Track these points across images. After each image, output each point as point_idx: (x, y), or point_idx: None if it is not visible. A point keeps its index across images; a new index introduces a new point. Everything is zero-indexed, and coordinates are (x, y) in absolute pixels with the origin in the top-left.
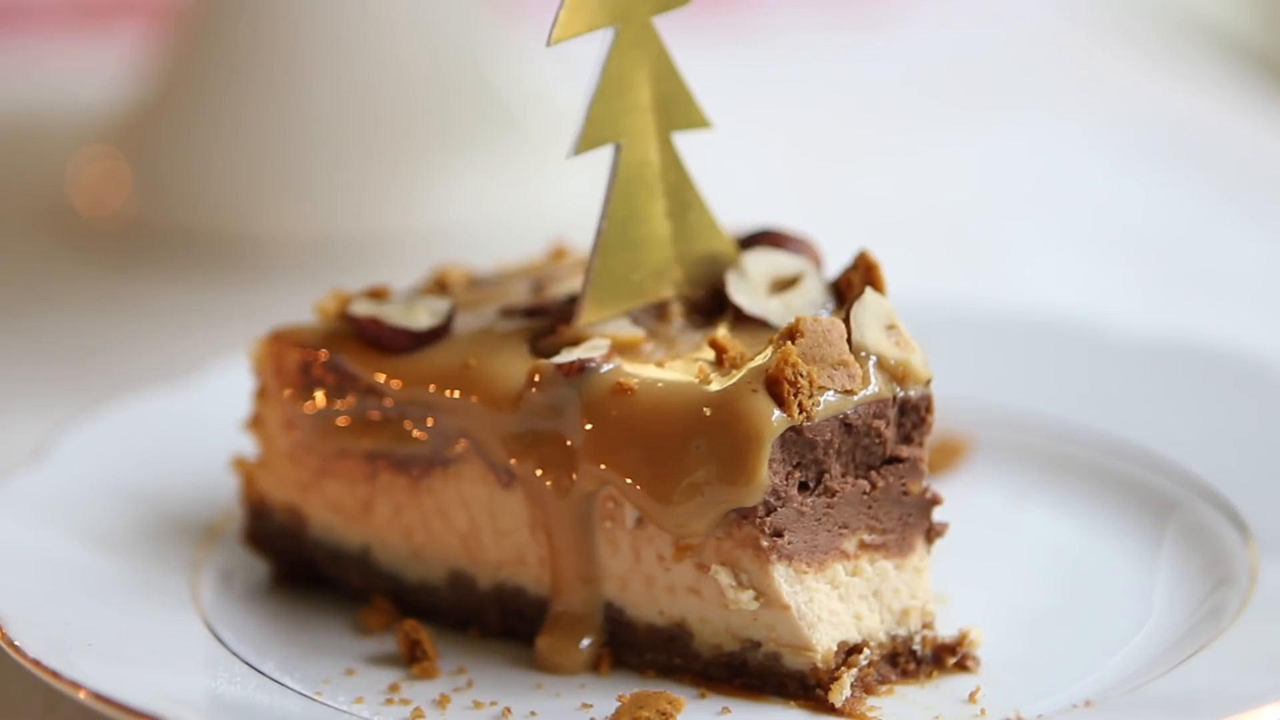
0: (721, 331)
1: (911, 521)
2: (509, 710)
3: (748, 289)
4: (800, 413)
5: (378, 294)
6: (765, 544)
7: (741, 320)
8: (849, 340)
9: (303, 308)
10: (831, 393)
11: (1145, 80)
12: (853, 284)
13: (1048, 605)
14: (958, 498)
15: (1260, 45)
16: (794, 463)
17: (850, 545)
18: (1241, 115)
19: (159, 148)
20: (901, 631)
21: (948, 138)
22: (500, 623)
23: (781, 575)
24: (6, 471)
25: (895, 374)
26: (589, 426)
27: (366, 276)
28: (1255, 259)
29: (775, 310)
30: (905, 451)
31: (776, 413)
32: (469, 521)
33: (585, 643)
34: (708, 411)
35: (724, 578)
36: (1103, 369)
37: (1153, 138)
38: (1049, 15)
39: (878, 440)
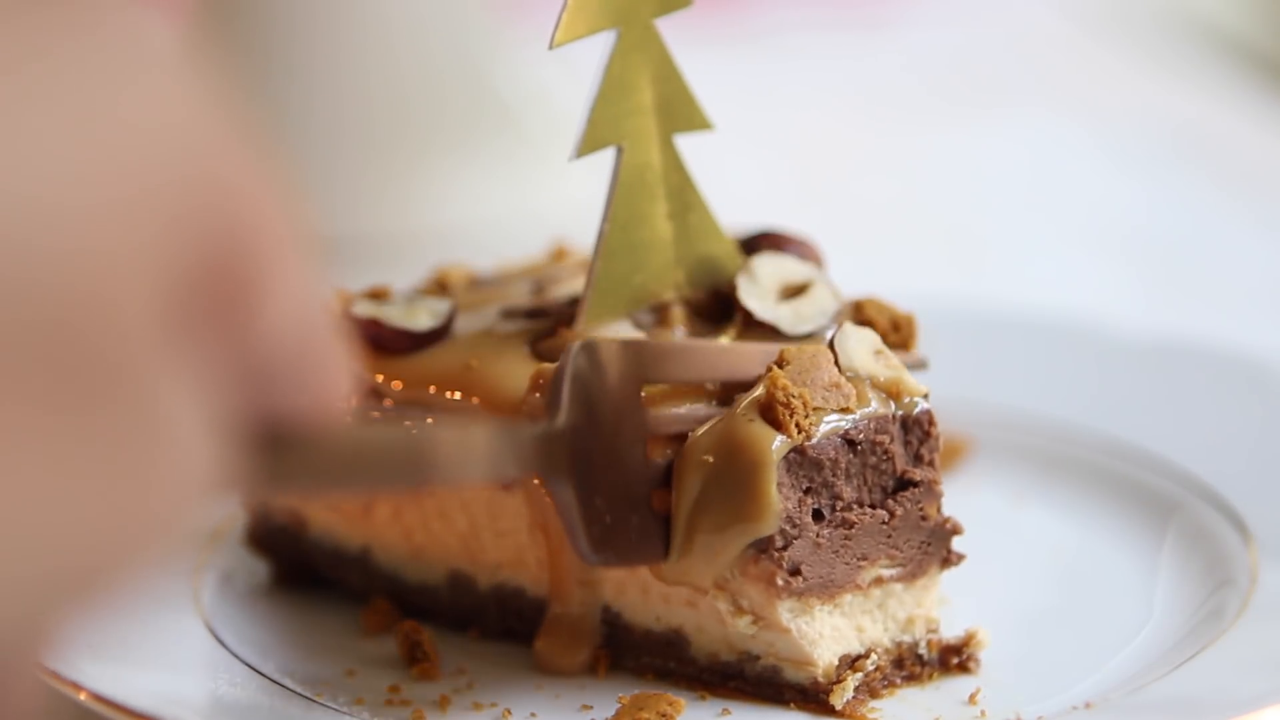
0: (727, 339)
1: (930, 551)
2: (509, 712)
3: (758, 293)
4: (799, 432)
5: (378, 295)
6: (780, 582)
7: (750, 325)
8: (837, 365)
9: None
10: (829, 413)
11: (1147, 81)
12: (877, 326)
13: (1048, 606)
14: (958, 498)
15: (1262, 46)
16: (804, 487)
17: (866, 579)
18: (1244, 116)
19: None
20: (906, 638)
21: (949, 138)
22: (500, 623)
23: (786, 608)
24: None
25: (890, 391)
26: None
27: (366, 277)
28: (1257, 260)
29: (786, 317)
30: (919, 474)
31: (778, 438)
32: (469, 522)
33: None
34: (709, 458)
35: (721, 604)
36: (1104, 370)
37: (1155, 138)
38: (1050, 15)
39: (885, 458)
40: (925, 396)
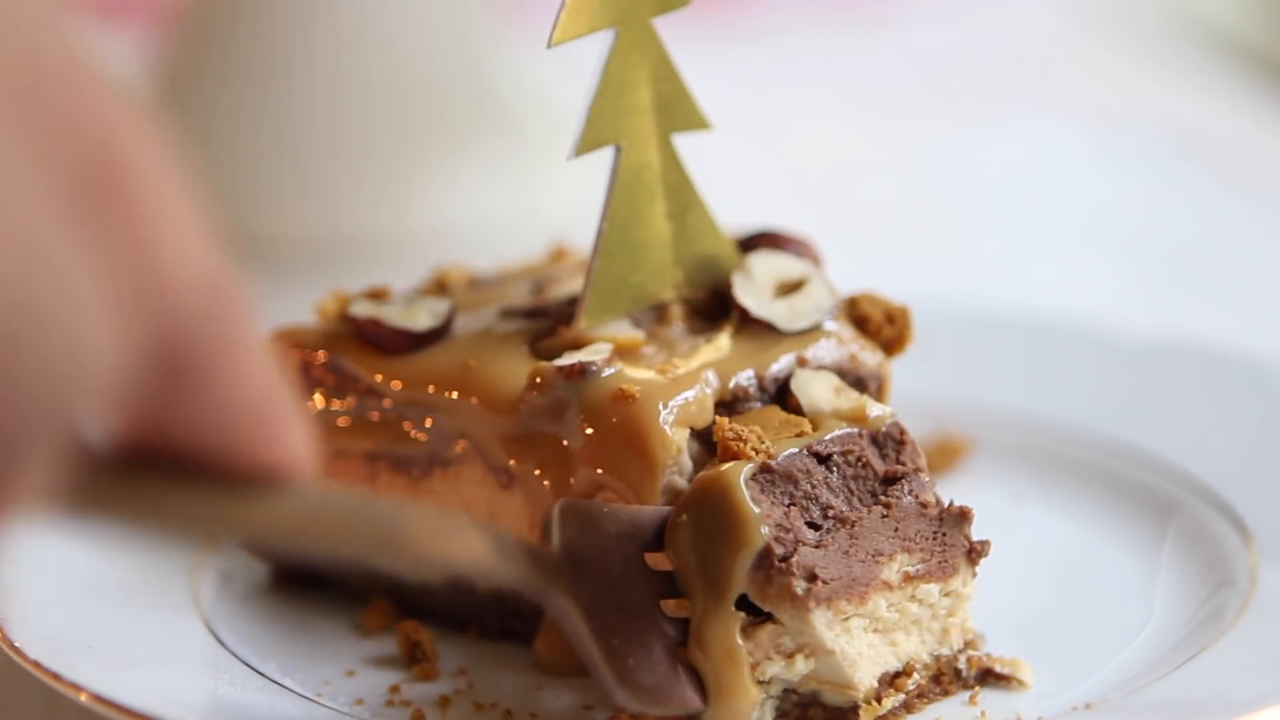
0: (725, 339)
1: (949, 541)
2: (510, 712)
3: (754, 290)
4: (758, 455)
5: (378, 295)
6: (800, 591)
7: (746, 323)
8: (800, 411)
9: (303, 308)
10: (786, 440)
11: (1147, 81)
12: (872, 321)
13: (1048, 607)
14: (958, 498)
15: (1262, 46)
16: (786, 502)
17: (892, 574)
18: (1244, 116)
19: None
20: (945, 651)
21: (949, 138)
22: (499, 624)
23: (823, 622)
24: None
25: (854, 418)
26: (589, 431)
27: (366, 277)
28: (1257, 260)
29: (781, 313)
30: (901, 468)
31: (742, 468)
32: None
33: None
34: (685, 517)
35: (776, 669)
36: (1104, 370)
37: (1155, 138)
38: (1051, 15)
39: (862, 465)
40: (891, 415)
